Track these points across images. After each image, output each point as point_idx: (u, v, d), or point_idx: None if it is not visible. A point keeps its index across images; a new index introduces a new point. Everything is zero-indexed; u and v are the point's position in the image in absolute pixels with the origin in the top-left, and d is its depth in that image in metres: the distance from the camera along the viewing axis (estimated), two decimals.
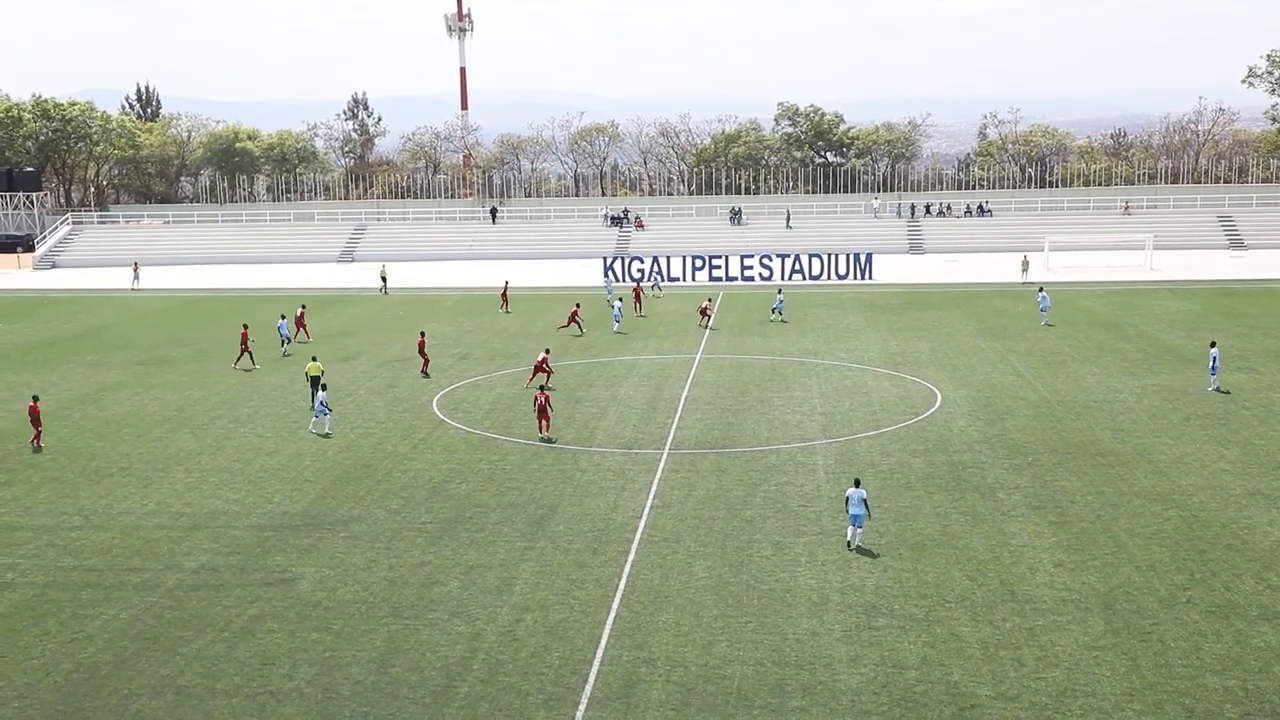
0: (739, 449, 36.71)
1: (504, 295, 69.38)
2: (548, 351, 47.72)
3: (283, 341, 55.28)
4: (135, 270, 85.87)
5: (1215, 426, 38.18)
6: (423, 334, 51.21)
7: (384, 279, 79.85)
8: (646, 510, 30.78)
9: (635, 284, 73.29)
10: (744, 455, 35.97)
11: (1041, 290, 61.56)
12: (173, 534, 29.84)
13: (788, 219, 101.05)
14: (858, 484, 27.84)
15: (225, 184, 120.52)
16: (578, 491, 32.59)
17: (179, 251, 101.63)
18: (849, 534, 27.56)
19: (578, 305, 60.98)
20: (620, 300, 64.22)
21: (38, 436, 38.33)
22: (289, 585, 26.27)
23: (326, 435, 38.92)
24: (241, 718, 20.42)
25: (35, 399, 39.08)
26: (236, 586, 26.25)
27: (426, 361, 49.33)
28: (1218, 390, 42.77)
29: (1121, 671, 21.34)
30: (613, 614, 24.20)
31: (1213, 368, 43.11)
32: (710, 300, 64.91)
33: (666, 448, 36.98)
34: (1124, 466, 33.94)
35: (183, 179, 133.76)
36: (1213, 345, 44.11)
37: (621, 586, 25.65)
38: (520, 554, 27.80)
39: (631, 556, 27.45)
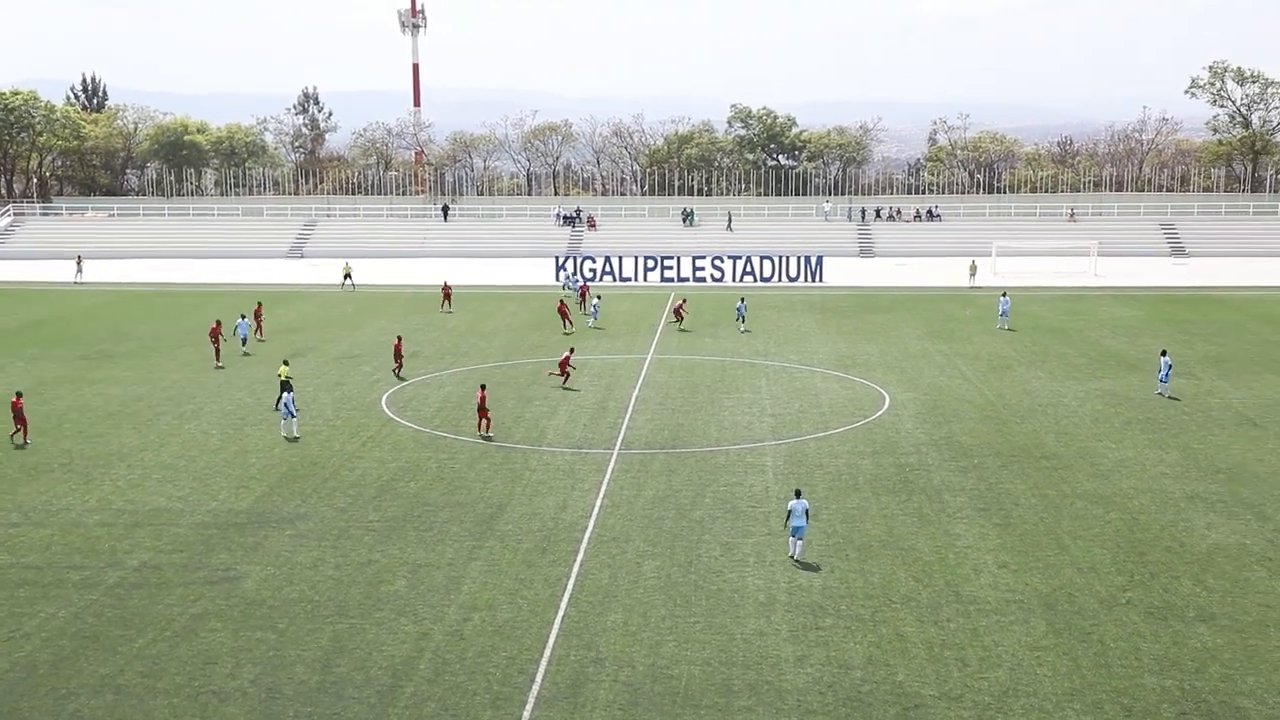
0: (689, 449, 36.80)
1: (445, 294, 68.73)
2: (572, 350, 48.11)
3: (242, 341, 54.59)
4: (78, 263, 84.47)
5: (1156, 431, 38.81)
6: (399, 337, 49.98)
7: (348, 275, 79.22)
8: (596, 510, 30.78)
9: (583, 283, 73.28)
10: (693, 456, 36.06)
11: (1004, 295, 61.82)
12: (114, 531, 29.42)
13: (729, 221, 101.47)
14: (799, 495, 27.44)
15: (172, 177, 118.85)
16: (527, 491, 32.52)
17: (124, 245, 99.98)
18: (791, 546, 27.19)
19: (562, 301, 62.75)
20: (599, 297, 65.84)
21: (20, 432, 37.45)
22: (233, 584, 25.99)
23: (295, 439, 38.16)
24: (183, 718, 20.17)
25: (19, 395, 38.23)
26: (179, 585, 25.93)
27: (400, 364, 48.48)
28: (1169, 397, 43.20)
29: (1062, 671, 21.64)
30: (561, 613, 24.19)
31: (1164, 375, 43.58)
32: (684, 300, 64.23)
33: (616, 448, 37.00)
34: (1067, 469, 34.41)
35: (128, 171, 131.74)
36: (1164, 354, 44.65)
37: (570, 586, 25.63)
38: (469, 553, 27.70)
39: (580, 556, 27.44)
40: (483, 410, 38.34)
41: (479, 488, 32.81)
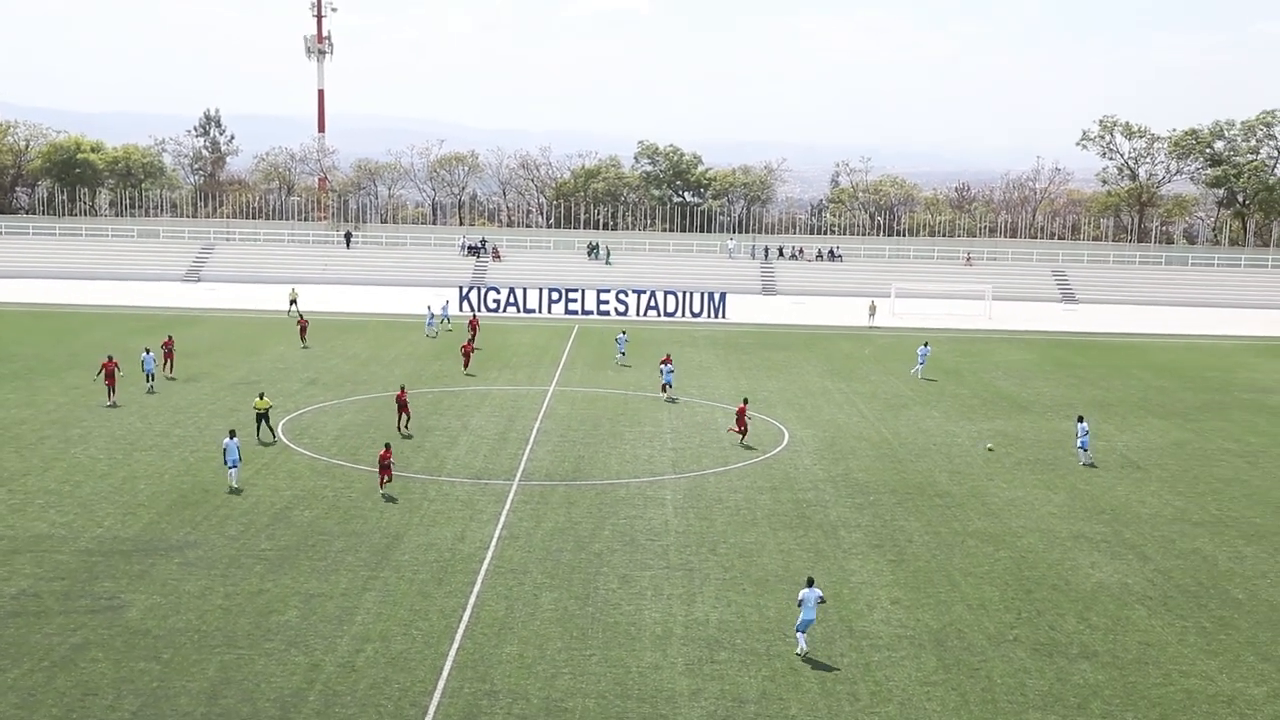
0: (589, 481, 36.77)
1: (301, 328, 64.63)
2: (746, 401, 44.27)
3: (148, 377, 49.42)
4: None
5: (1044, 472, 39.84)
6: (403, 387, 44.88)
7: (294, 301, 77.44)
8: (494, 541, 30.56)
9: (472, 315, 72.00)
10: (594, 488, 36.04)
11: (925, 344, 60.44)
12: None
13: (607, 255, 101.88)
14: (811, 583, 24.48)
15: (65, 196, 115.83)
16: (424, 521, 32.17)
17: (11, 264, 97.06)
18: (800, 642, 24.00)
19: (468, 341, 60.56)
20: (625, 333, 63.66)
21: None
22: (116, 612, 25.23)
23: (237, 490, 34.55)
24: None
25: None
26: (59, 613, 25.09)
27: (406, 416, 42.97)
28: (1090, 465, 40.62)
29: (951, 706, 22.01)
30: (455, 645, 23.93)
31: (1082, 443, 40.91)
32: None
33: (517, 479, 36.82)
34: (959, 508, 35.13)
35: (18, 189, 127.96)
36: (1080, 420, 42.01)
37: (465, 617, 25.39)
38: (363, 583, 27.29)
39: (477, 588, 27.21)
40: (385, 468, 34.63)
41: (375, 517, 32.36)
